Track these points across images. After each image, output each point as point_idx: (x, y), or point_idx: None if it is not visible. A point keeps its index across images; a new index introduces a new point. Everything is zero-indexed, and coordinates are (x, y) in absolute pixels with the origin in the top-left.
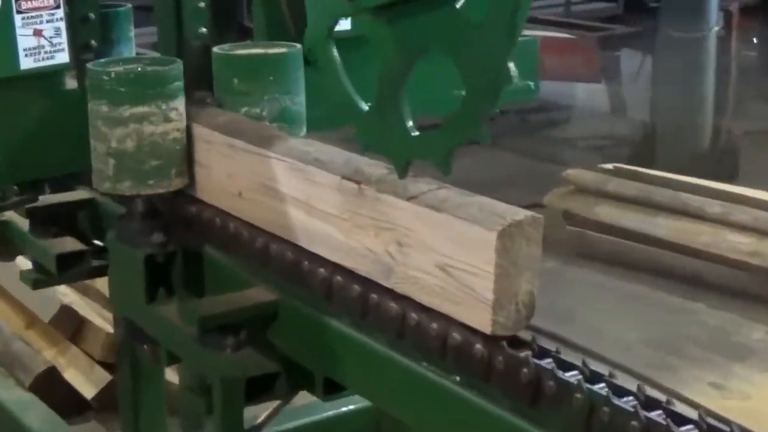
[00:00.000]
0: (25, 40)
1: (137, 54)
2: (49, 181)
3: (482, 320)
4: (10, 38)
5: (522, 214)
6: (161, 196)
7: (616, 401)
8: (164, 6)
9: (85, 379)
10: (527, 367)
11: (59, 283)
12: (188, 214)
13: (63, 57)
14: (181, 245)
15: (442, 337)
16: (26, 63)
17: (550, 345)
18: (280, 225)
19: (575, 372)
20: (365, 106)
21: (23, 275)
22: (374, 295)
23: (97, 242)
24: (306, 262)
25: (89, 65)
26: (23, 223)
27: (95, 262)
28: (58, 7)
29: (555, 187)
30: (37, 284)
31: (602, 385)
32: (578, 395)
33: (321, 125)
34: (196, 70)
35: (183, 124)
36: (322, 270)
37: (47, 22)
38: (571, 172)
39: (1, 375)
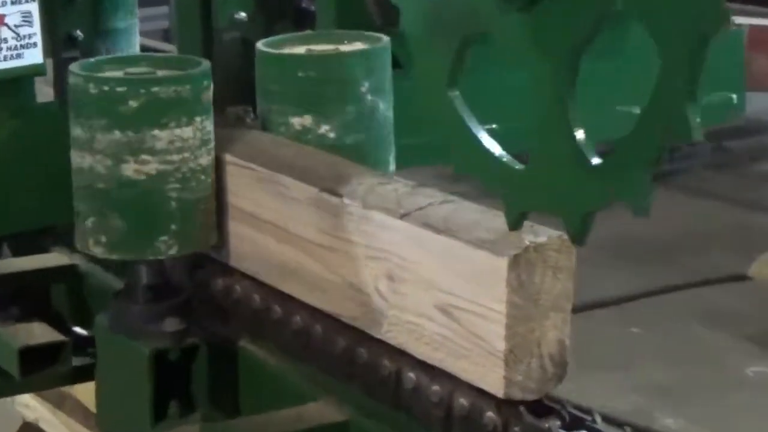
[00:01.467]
0: None
1: (143, 49)
2: (9, 239)
3: (493, 379)
4: None
5: (545, 234)
6: (178, 262)
7: None
8: None
9: None
10: None
11: (22, 392)
12: (217, 290)
13: (35, 55)
14: (206, 336)
15: (446, 405)
16: None
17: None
18: (239, 255)
19: None
20: (491, 144)
21: None
22: (362, 350)
23: (78, 330)
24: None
25: (73, 67)
26: None
27: (76, 361)
28: None
29: None
30: None
31: None
32: None
33: (418, 158)
34: (230, 75)
35: (211, 156)
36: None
37: (12, 3)
38: None
39: None
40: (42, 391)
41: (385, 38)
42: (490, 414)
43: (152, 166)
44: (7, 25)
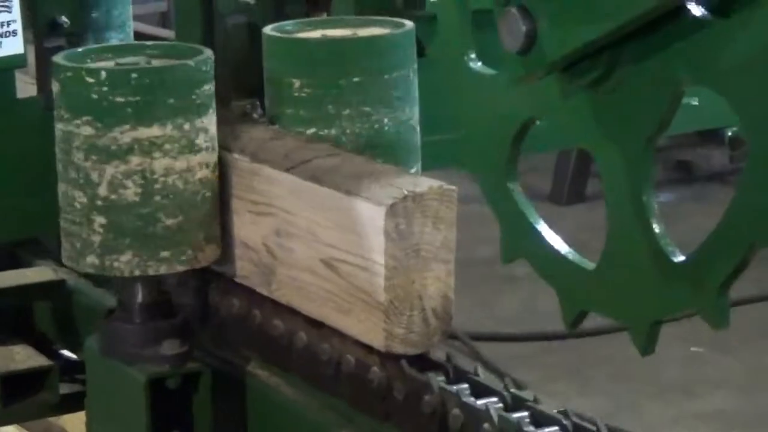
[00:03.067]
0: None
1: (137, 36)
2: None
3: (376, 333)
4: None
5: (426, 184)
6: (178, 277)
7: None
8: None
9: None
10: (430, 393)
11: (3, 423)
12: (221, 309)
13: (14, 45)
14: (210, 361)
15: (335, 364)
16: None
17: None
18: None
19: (493, 399)
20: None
21: None
22: (256, 311)
23: (66, 353)
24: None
25: (57, 58)
26: None
27: (63, 388)
28: None
29: None
30: None
31: (524, 413)
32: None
33: (445, 158)
34: (235, 65)
35: (214, 156)
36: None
37: None
38: None
39: None
40: (26, 422)
41: (409, 23)
42: (375, 369)
43: (155, 170)
44: None
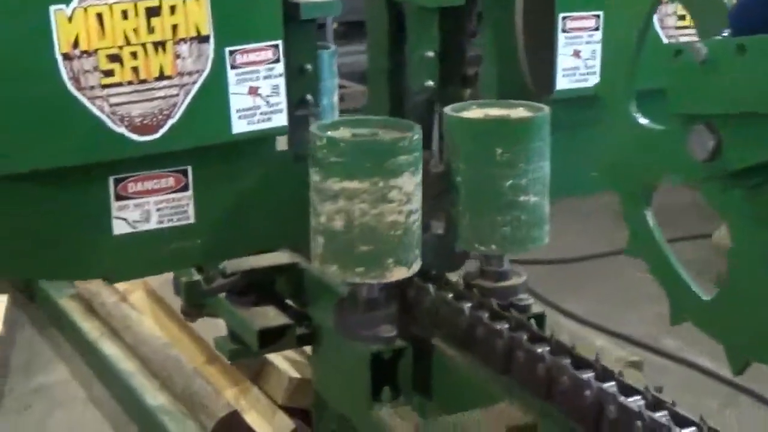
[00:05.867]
0: (239, 99)
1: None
2: None
3: None
4: (222, 98)
5: None
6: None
7: None
8: (379, 51)
9: (268, 426)
10: None
11: (257, 356)
12: (420, 303)
13: (280, 119)
14: (412, 339)
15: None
16: (239, 126)
17: None
18: None
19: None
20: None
21: (218, 343)
22: None
23: (297, 308)
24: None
25: (312, 127)
26: None
27: (298, 331)
28: (277, 60)
29: None
30: (234, 356)
31: None
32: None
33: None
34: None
35: (408, 205)
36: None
37: (264, 78)
38: None
39: (183, 416)
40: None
41: (546, 108)
42: None
43: (355, 211)
44: (260, 95)
